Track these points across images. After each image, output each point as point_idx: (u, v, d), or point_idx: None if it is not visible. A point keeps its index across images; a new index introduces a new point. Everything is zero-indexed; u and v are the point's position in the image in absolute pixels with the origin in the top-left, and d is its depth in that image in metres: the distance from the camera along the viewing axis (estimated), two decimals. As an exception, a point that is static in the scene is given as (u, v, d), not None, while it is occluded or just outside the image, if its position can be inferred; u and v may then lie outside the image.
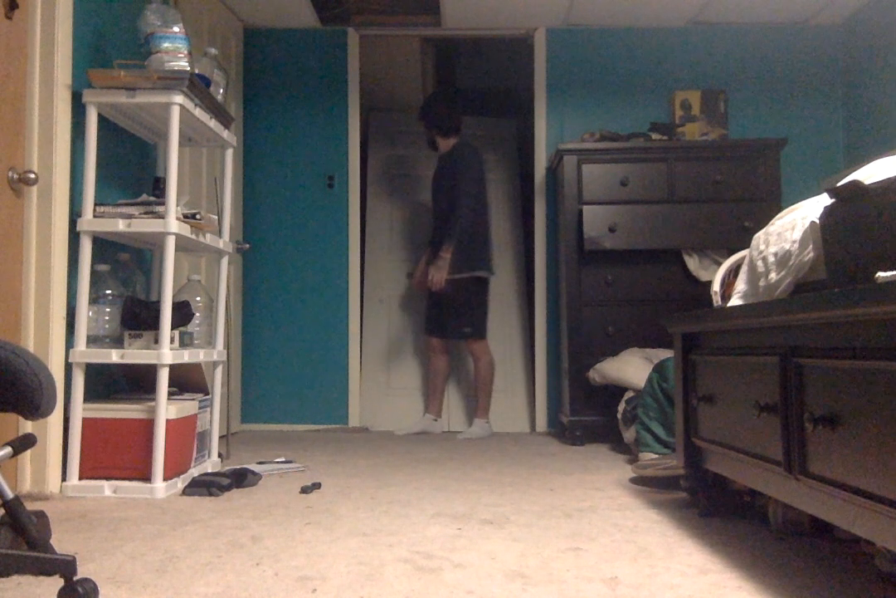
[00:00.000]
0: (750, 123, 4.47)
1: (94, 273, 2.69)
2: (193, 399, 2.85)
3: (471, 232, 4.19)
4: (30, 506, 1.65)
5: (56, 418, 2.55)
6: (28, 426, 2.46)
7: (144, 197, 2.78)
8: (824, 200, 1.75)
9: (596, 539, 1.98)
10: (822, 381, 1.46)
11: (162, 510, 2.33)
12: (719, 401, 2.02)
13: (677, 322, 2.31)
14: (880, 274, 1.33)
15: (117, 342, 2.74)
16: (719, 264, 3.47)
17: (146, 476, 2.54)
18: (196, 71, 2.83)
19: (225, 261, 3.23)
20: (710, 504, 2.24)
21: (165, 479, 2.55)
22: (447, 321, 4.33)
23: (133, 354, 2.63)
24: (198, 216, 2.76)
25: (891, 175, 1.57)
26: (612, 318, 3.95)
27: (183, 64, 2.70)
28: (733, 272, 2.90)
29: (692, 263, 3.91)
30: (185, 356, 2.72)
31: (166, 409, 2.56)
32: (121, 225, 2.62)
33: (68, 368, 2.61)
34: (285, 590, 1.57)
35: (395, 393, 4.69)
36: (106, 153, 2.84)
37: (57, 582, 1.41)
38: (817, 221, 1.74)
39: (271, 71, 4.61)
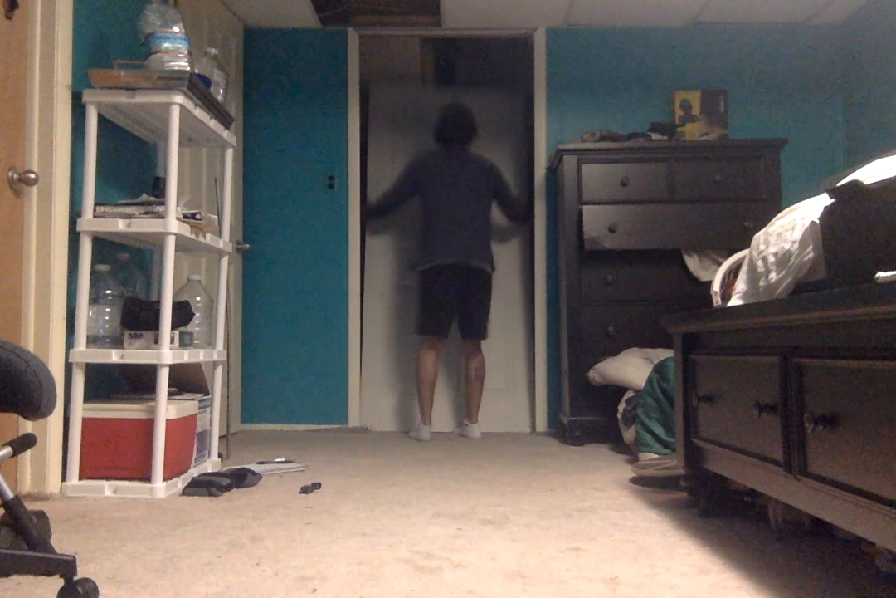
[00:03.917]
0: (750, 123, 4.47)
1: (94, 273, 2.69)
2: (193, 399, 2.85)
3: (422, 229, 4.35)
4: (30, 506, 1.65)
5: (56, 418, 2.56)
6: (28, 426, 2.46)
7: (144, 197, 2.78)
8: (824, 200, 1.75)
9: (596, 539, 1.98)
10: (822, 381, 1.46)
11: (162, 510, 2.33)
12: (719, 401, 2.02)
13: (677, 322, 2.31)
14: (880, 274, 1.33)
15: (117, 342, 2.74)
16: (719, 264, 3.47)
17: (146, 476, 2.54)
18: (196, 71, 2.83)
19: (225, 261, 3.23)
20: (710, 504, 2.24)
21: (165, 479, 2.55)
22: None
23: (133, 354, 2.63)
24: (198, 216, 2.76)
25: (891, 175, 1.57)
26: (612, 318, 3.95)
27: (183, 64, 2.70)
28: (733, 272, 2.91)
29: (692, 263, 3.91)
30: (185, 356, 2.72)
31: (166, 409, 2.56)
32: (121, 225, 2.62)
33: (68, 368, 2.61)
34: (285, 590, 1.57)
35: (395, 393, 4.69)
36: (106, 153, 2.84)
37: (57, 582, 1.40)
38: (817, 221, 1.74)
39: (271, 71, 4.61)
